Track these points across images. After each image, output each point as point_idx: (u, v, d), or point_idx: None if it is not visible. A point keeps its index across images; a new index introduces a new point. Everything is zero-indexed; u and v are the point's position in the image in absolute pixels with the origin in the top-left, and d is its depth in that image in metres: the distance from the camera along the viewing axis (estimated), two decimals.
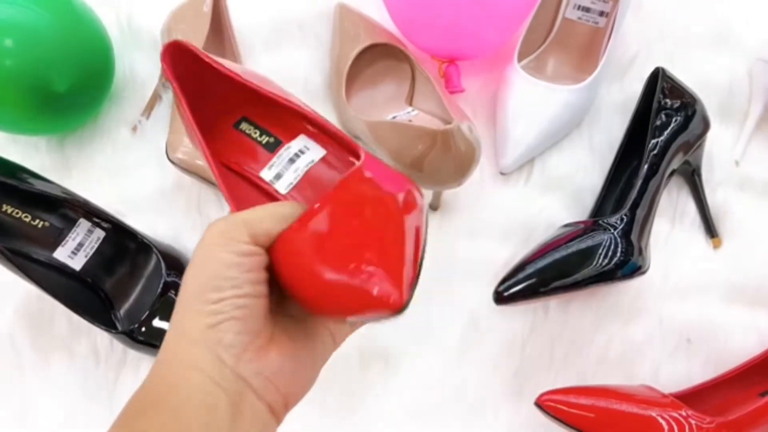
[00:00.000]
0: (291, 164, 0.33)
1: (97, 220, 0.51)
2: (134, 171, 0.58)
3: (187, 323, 0.25)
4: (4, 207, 0.49)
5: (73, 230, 0.50)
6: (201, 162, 0.52)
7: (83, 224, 0.51)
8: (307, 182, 0.33)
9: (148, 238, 0.51)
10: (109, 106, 0.60)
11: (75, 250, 0.50)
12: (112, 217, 0.51)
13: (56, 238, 0.50)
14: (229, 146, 0.34)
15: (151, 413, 0.24)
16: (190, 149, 0.52)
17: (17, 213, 0.49)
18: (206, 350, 0.24)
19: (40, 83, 0.50)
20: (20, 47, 0.49)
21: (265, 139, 0.34)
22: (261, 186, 0.34)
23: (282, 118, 0.34)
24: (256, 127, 0.35)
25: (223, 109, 0.34)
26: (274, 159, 0.34)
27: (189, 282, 0.26)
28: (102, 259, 0.52)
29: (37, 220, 0.50)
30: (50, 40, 0.51)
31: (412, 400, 0.49)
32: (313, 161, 0.33)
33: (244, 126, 0.35)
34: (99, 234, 0.51)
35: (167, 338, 0.26)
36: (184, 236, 0.55)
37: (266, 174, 0.33)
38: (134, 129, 0.59)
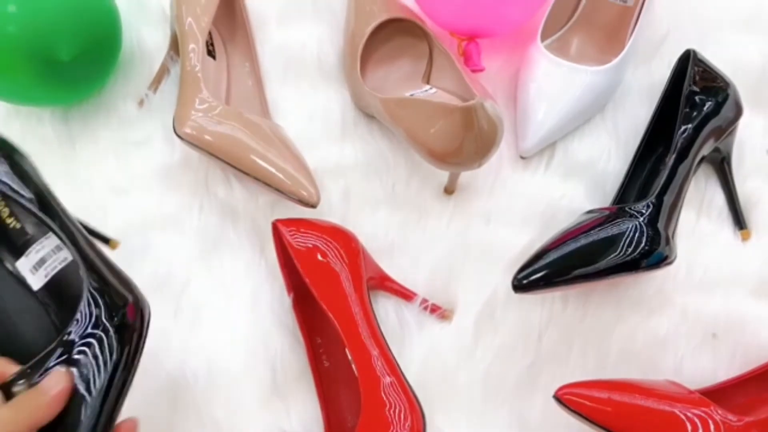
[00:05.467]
0: None
1: (68, 238, 0.38)
2: (140, 146, 0.56)
3: None
4: None
5: (39, 241, 0.40)
6: (209, 137, 0.50)
7: (52, 238, 0.40)
8: None
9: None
10: (115, 79, 0.58)
11: (36, 266, 0.40)
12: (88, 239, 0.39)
13: (23, 245, 0.40)
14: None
15: None
16: (198, 124, 0.50)
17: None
18: None
19: (43, 51, 0.49)
20: (24, 13, 0.48)
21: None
22: None
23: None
24: None
25: None
26: None
27: None
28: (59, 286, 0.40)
29: (12, 219, 0.41)
30: (55, 7, 0.49)
31: (422, 389, 0.47)
32: None
33: None
34: (66, 255, 0.40)
35: None
36: (191, 215, 0.53)
37: None
38: (141, 103, 0.57)
